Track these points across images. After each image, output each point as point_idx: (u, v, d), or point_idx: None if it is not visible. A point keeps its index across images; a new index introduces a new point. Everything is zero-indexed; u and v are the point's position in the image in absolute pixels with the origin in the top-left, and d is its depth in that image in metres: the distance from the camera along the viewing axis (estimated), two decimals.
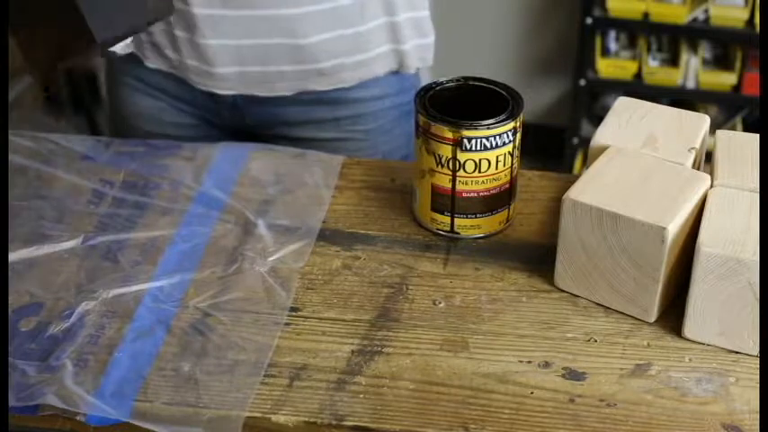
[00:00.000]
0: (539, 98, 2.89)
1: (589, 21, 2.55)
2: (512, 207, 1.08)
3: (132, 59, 1.31)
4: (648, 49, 2.65)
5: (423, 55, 1.32)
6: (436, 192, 1.05)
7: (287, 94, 1.27)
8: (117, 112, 1.38)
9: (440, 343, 0.93)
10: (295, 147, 1.23)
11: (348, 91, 1.28)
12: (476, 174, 1.02)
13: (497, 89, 1.06)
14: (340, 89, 1.28)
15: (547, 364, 0.91)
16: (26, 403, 0.87)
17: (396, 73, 1.31)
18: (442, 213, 1.05)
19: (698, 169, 1.02)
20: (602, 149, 1.00)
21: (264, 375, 0.89)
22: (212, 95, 1.28)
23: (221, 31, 1.21)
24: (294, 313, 0.96)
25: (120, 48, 1.29)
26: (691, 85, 2.60)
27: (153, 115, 1.33)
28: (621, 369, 0.90)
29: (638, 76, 2.62)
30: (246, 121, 1.31)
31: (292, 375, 0.90)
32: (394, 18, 1.26)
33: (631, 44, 2.68)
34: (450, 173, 1.03)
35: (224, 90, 1.27)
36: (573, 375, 0.89)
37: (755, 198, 0.94)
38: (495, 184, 1.03)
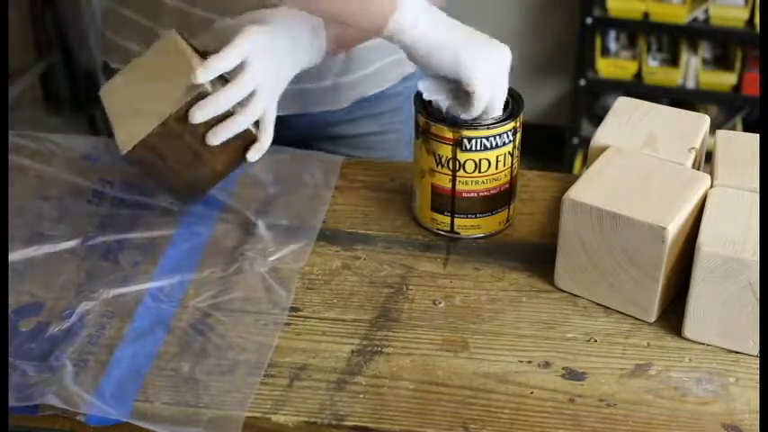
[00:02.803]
0: (539, 98, 2.89)
1: (589, 21, 2.55)
2: (512, 207, 1.08)
3: None
4: (648, 49, 2.64)
5: None
6: (436, 192, 1.05)
7: (346, 105, 1.25)
8: None
9: (440, 343, 0.93)
10: (335, 145, 1.21)
11: (392, 86, 1.28)
12: (476, 174, 1.02)
13: None
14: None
15: (547, 364, 0.91)
16: (26, 403, 0.86)
17: None
18: (442, 213, 1.05)
19: (698, 169, 1.02)
20: (602, 149, 1.00)
21: (264, 375, 0.89)
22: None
23: None
24: (294, 313, 0.96)
25: None
26: (691, 85, 2.60)
27: None
28: (621, 369, 0.90)
29: (638, 76, 2.61)
30: (289, 131, 1.28)
31: (292, 375, 0.90)
32: None
33: (631, 44, 2.68)
34: (450, 173, 1.03)
35: (280, 111, 1.23)
36: (573, 375, 0.89)
37: (755, 198, 0.94)
38: (495, 184, 1.03)
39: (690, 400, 0.87)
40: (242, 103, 0.98)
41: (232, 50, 0.95)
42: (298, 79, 1.09)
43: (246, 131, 1.00)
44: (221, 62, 0.95)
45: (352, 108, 1.27)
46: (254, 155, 1.01)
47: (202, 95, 0.95)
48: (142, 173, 1.04)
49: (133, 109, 1.00)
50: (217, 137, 0.97)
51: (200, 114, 0.95)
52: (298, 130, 1.29)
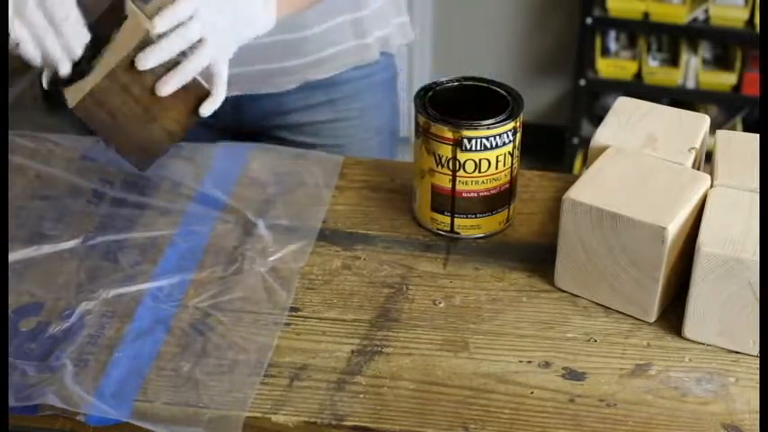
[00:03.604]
0: (539, 98, 2.89)
1: (589, 21, 2.55)
2: (512, 207, 1.08)
3: None
4: (648, 49, 2.64)
5: (404, 32, 1.35)
6: (436, 192, 1.05)
7: (292, 87, 1.28)
8: None
9: (440, 343, 0.93)
10: (292, 133, 1.22)
11: (342, 72, 1.30)
12: (476, 174, 1.02)
13: (497, 89, 1.06)
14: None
15: (547, 364, 0.91)
16: (26, 403, 0.86)
17: (383, 53, 1.34)
18: (442, 213, 1.05)
19: (698, 169, 1.02)
20: (602, 149, 1.00)
21: (264, 375, 0.89)
22: None
23: None
24: (294, 313, 0.96)
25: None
26: (691, 85, 2.60)
27: None
28: (621, 369, 0.90)
29: (638, 76, 2.62)
30: (245, 116, 1.31)
31: (292, 375, 0.90)
32: (378, 3, 1.30)
33: (631, 44, 2.68)
34: (450, 173, 1.03)
35: (229, 92, 1.27)
36: (573, 375, 0.89)
37: (755, 198, 0.94)
38: (495, 184, 1.03)
39: (690, 400, 0.87)
40: (189, 53, 0.98)
41: (186, 1, 0.96)
42: (245, 61, 1.10)
43: (197, 85, 0.99)
44: (176, 10, 0.95)
45: (305, 94, 1.29)
46: (206, 109, 1.01)
47: (147, 43, 0.94)
48: (98, 134, 1.03)
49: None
50: (166, 86, 0.97)
51: (145, 60, 0.95)
52: (253, 117, 1.31)
